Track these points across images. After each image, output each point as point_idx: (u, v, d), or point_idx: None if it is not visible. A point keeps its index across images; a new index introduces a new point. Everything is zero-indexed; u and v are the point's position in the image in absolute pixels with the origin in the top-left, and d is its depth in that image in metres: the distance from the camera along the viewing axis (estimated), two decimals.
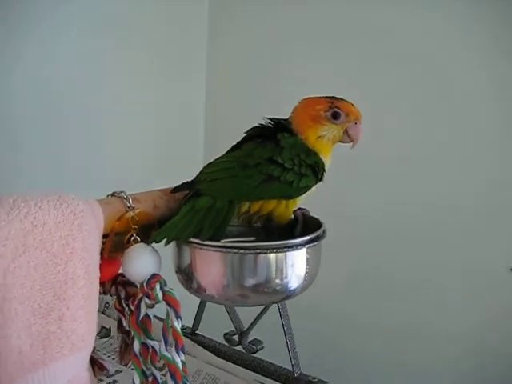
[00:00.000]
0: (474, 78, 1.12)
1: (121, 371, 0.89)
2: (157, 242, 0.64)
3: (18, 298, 0.52)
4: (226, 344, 0.88)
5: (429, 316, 1.20)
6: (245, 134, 0.77)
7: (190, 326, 0.93)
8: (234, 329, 0.87)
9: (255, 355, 0.86)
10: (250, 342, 0.85)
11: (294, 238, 0.66)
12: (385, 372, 1.24)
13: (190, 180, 0.71)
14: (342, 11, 1.29)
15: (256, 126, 0.77)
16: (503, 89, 1.08)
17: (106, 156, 1.28)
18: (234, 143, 0.77)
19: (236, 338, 0.86)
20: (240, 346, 0.86)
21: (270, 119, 0.76)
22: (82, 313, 0.56)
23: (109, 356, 0.93)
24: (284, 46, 1.39)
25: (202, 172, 0.72)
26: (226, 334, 0.88)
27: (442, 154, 1.18)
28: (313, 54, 1.33)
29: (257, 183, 0.68)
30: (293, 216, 0.74)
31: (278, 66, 1.39)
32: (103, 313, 1.02)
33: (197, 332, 0.93)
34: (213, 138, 1.55)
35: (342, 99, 0.74)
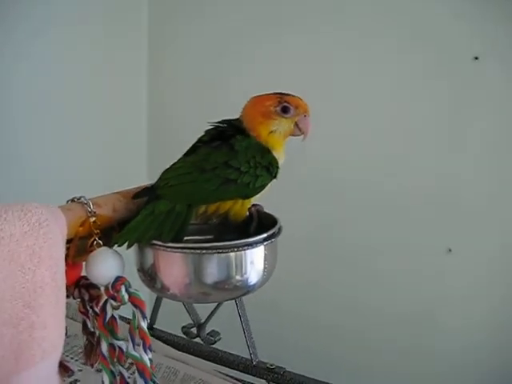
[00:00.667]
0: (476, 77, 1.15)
1: (81, 370, 0.90)
2: (119, 246, 0.66)
3: None
4: (184, 337, 0.91)
5: (380, 306, 1.26)
6: (199, 137, 0.79)
7: (148, 321, 0.95)
8: (191, 322, 0.89)
9: (213, 346, 0.89)
10: (208, 334, 0.88)
11: (251, 235, 0.69)
12: (337, 362, 1.30)
13: (149, 185, 0.73)
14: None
15: (208, 130, 0.79)
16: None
17: (49, 156, 1.27)
18: (189, 147, 0.78)
19: (194, 330, 0.89)
20: (198, 338, 0.89)
21: (221, 121, 0.79)
22: (51, 319, 0.58)
23: (67, 355, 0.94)
24: (228, 45, 1.41)
25: (160, 178, 0.73)
26: (183, 327, 0.90)
27: (392, 143, 1.24)
28: (258, 52, 1.36)
29: (215, 187, 0.71)
30: (248, 213, 0.77)
31: (221, 65, 1.41)
32: None
33: (154, 326, 0.95)
34: (156, 138, 1.56)
35: (289, 94, 0.77)
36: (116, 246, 0.66)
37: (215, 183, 0.71)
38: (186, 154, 0.78)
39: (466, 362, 1.18)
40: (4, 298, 0.54)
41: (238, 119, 0.79)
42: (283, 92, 0.78)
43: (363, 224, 1.27)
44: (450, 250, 1.17)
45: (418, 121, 1.19)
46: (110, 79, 1.41)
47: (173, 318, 0.91)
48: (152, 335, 0.93)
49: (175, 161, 0.77)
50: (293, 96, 0.78)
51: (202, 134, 0.80)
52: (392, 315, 1.25)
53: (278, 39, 1.32)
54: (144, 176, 1.47)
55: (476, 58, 1.11)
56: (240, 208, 0.74)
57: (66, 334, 0.98)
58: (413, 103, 1.19)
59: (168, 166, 0.76)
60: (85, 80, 1.33)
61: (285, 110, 0.76)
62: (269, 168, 0.74)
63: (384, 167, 1.23)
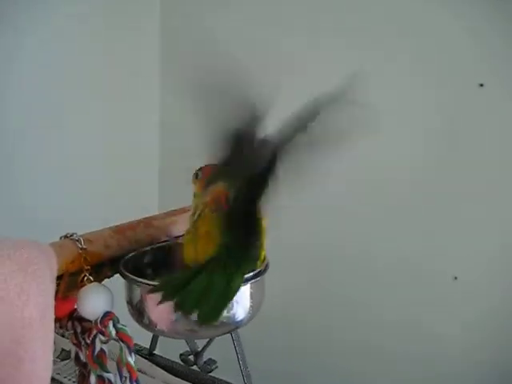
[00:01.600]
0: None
1: None
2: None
3: None
4: (183, 364, 0.92)
5: (381, 321, 1.26)
6: None
7: (147, 347, 0.97)
8: (188, 349, 0.91)
9: (210, 374, 0.90)
10: (205, 362, 0.89)
11: None
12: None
13: None
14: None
15: None
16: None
17: (55, 180, 1.28)
18: None
19: (191, 358, 0.91)
20: (195, 365, 0.90)
21: None
22: (39, 354, 0.59)
23: (69, 379, 0.96)
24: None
25: None
26: (181, 354, 0.92)
27: (395, 164, 1.24)
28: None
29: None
30: None
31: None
32: (63, 335, 1.04)
33: (154, 352, 0.97)
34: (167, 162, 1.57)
35: None
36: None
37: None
38: None
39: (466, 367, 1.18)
40: None
41: None
42: None
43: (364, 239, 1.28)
44: (455, 278, 1.17)
45: (419, 144, 1.19)
46: (121, 99, 1.42)
47: (173, 345, 0.92)
48: (152, 361, 0.95)
49: None
50: None
51: None
52: (392, 323, 1.25)
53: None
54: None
55: (481, 85, 1.11)
56: None
57: (70, 357, 1.01)
58: (415, 128, 1.19)
59: None
60: (95, 103, 1.35)
61: None
62: None
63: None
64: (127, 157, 1.43)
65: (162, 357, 0.97)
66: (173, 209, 0.87)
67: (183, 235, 0.75)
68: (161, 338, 0.95)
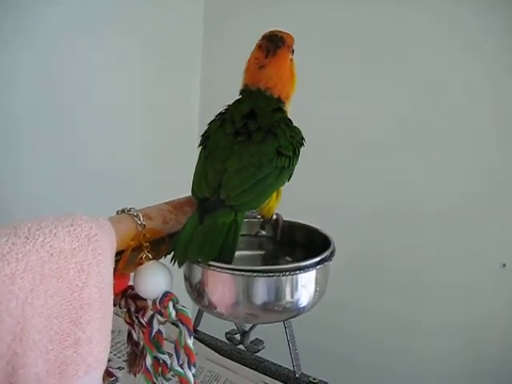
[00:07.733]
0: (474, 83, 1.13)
1: (123, 367, 0.89)
2: (180, 264, 0.63)
3: (36, 327, 0.52)
4: (227, 342, 0.90)
5: (420, 310, 1.23)
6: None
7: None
8: (235, 328, 0.88)
9: (256, 354, 0.88)
10: (251, 342, 0.86)
11: (278, 242, 0.75)
12: (381, 371, 1.27)
13: (209, 197, 0.67)
14: (338, 14, 1.28)
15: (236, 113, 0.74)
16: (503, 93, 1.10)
17: (102, 155, 1.26)
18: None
19: (237, 337, 0.88)
20: (241, 345, 0.87)
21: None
22: (97, 335, 0.57)
23: (110, 352, 0.93)
24: None
25: (223, 186, 0.66)
26: (227, 333, 0.89)
27: (439, 151, 1.20)
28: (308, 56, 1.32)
29: (274, 180, 0.68)
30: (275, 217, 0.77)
31: None
32: None
33: (198, 329, 0.94)
34: None
35: (280, 32, 0.74)
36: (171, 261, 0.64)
37: (275, 176, 0.68)
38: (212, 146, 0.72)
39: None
40: (51, 314, 0.53)
41: (262, 94, 0.73)
42: (276, 33, 0.74)
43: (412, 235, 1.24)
44: (504, 265, 1.13)
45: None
46: (164, 79, 1.41)
47: (217, 322, 0.90)
48: (195, 338, 0.93)
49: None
50: (286, 33, 0.74)
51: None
52: (440, 325, 1.21)
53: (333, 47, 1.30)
54: None
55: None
56: (274, 202, 0.72)
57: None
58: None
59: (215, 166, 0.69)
60: (139, 81, 1.34)
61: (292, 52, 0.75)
62: (302, 143, 0.73)
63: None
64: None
65: (206, 334, 0.95)
66: None
67: None
68: (206, 315, 0.92)
